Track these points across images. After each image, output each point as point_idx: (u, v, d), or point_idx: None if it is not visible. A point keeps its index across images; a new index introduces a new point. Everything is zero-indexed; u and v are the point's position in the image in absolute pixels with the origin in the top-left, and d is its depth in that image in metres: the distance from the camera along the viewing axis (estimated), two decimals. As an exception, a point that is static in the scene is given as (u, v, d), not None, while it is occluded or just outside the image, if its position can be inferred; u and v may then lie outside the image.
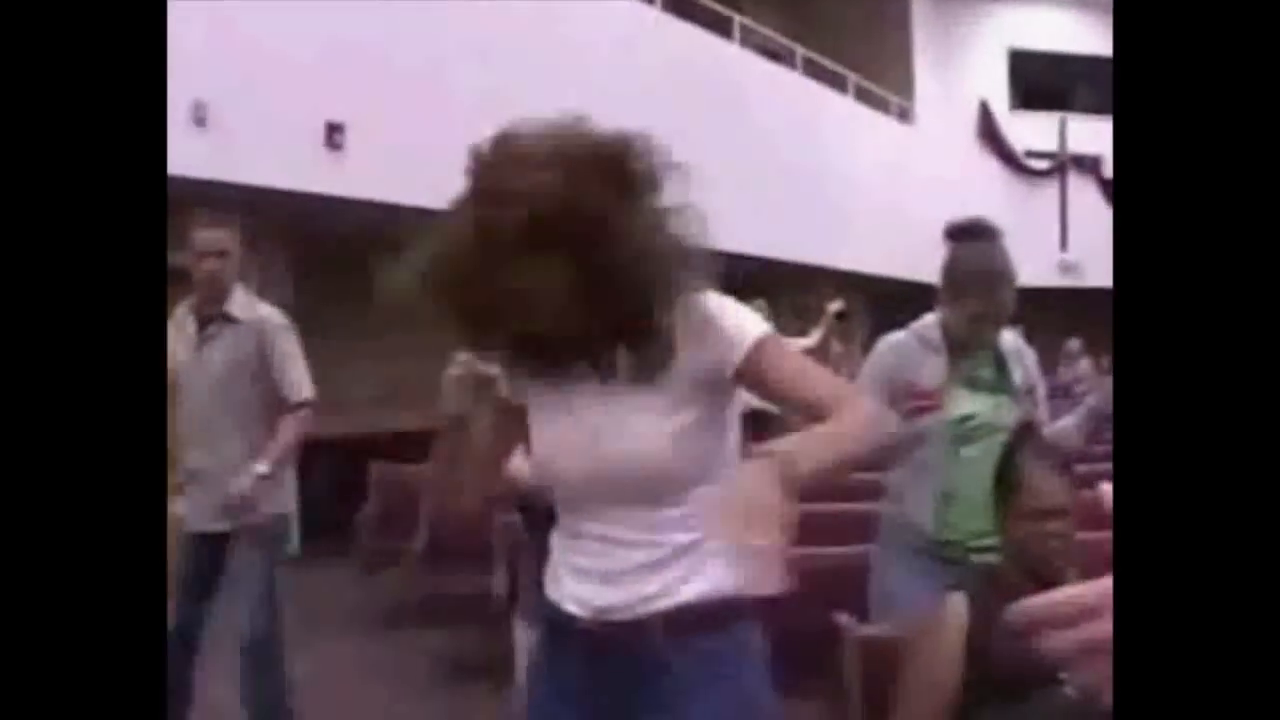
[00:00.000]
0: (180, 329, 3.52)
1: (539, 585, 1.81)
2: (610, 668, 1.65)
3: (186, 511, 3.37)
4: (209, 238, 3.54)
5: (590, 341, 1.54)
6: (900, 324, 2.94)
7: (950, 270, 2.78)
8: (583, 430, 1.63)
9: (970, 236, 2.79)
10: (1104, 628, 0.79)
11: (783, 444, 1.40)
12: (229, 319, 3.55)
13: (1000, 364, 2.84)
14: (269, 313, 3.64)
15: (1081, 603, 0.80)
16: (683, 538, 1.63)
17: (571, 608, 1.68)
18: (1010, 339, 2.89)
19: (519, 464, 2.43)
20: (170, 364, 3.37)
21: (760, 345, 1.59)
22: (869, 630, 2.30)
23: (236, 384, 3.51)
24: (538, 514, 2.18)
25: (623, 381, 1.59)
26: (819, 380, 1.61)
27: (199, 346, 3.51)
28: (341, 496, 6.32)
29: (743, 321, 1.61)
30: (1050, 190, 16.55)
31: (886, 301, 10.55)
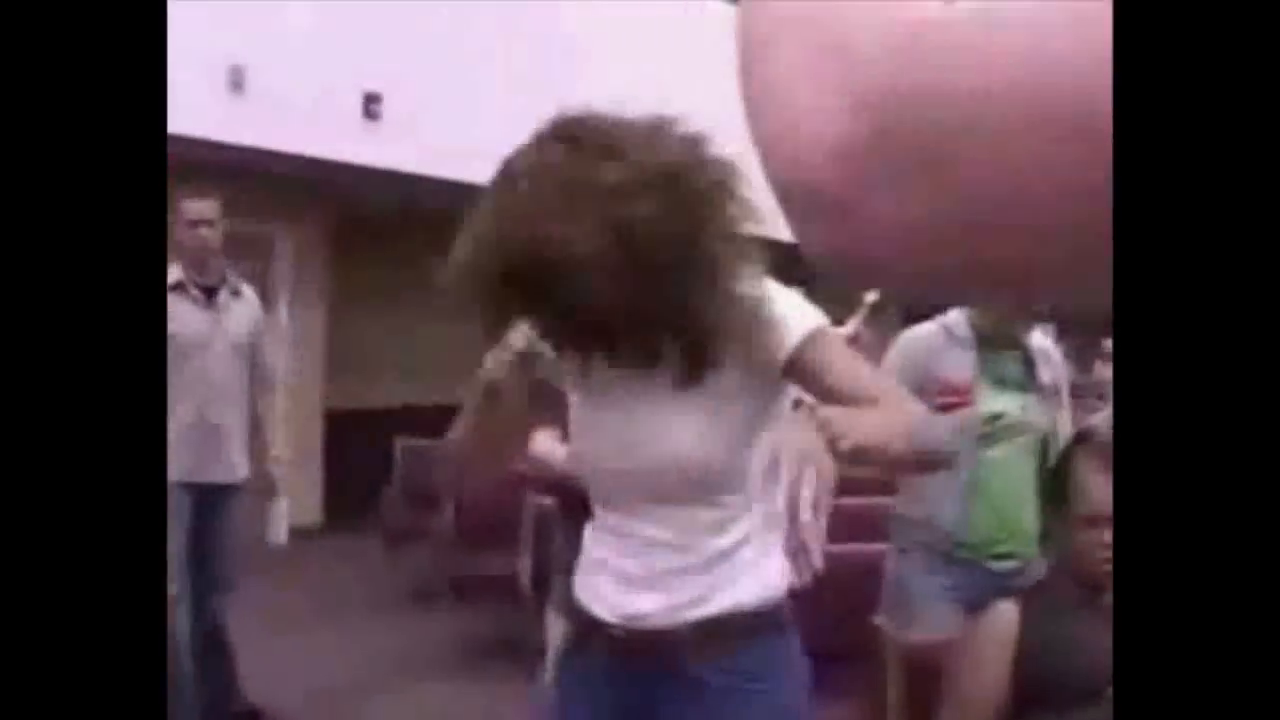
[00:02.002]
0: (184, 292, 3.65)
1: (569, 573, 1.74)
2: (639, 680, 1.58)
3: (188, 461, 3.54)
4: (198, 207, 3.68)
5: (639, 330, 1.46)
6: (926, 316, 2.87)
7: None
8: (625, 425, 1.56)
9: None
10: None
11: (831, 410, 1.34)
12: (236, 291, 3.82)
13: (1028, 362, 2.76)
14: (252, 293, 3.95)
15: None
16: (723, 542, 1.55)
17: (601, 612, 1.61)
18: (1038, 337, 2.82)
19: (552, 447, 2.36)
20: (178, 326, 3.44)
21: (813, 338, 1.50)
22: (912, 637, 2.22)
23: (247, 352, 3.80)
24: (573, 499, 2.11)
25: (670, 375, 1.51)
26: (872, 380, 1.53)
27: (216, 312, 3.72)
28: (369, 470, 6.29)
29: (797, 312, 1.52)
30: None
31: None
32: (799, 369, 1.51)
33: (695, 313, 1.44)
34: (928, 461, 1.61)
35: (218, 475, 3.69)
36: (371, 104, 6.89)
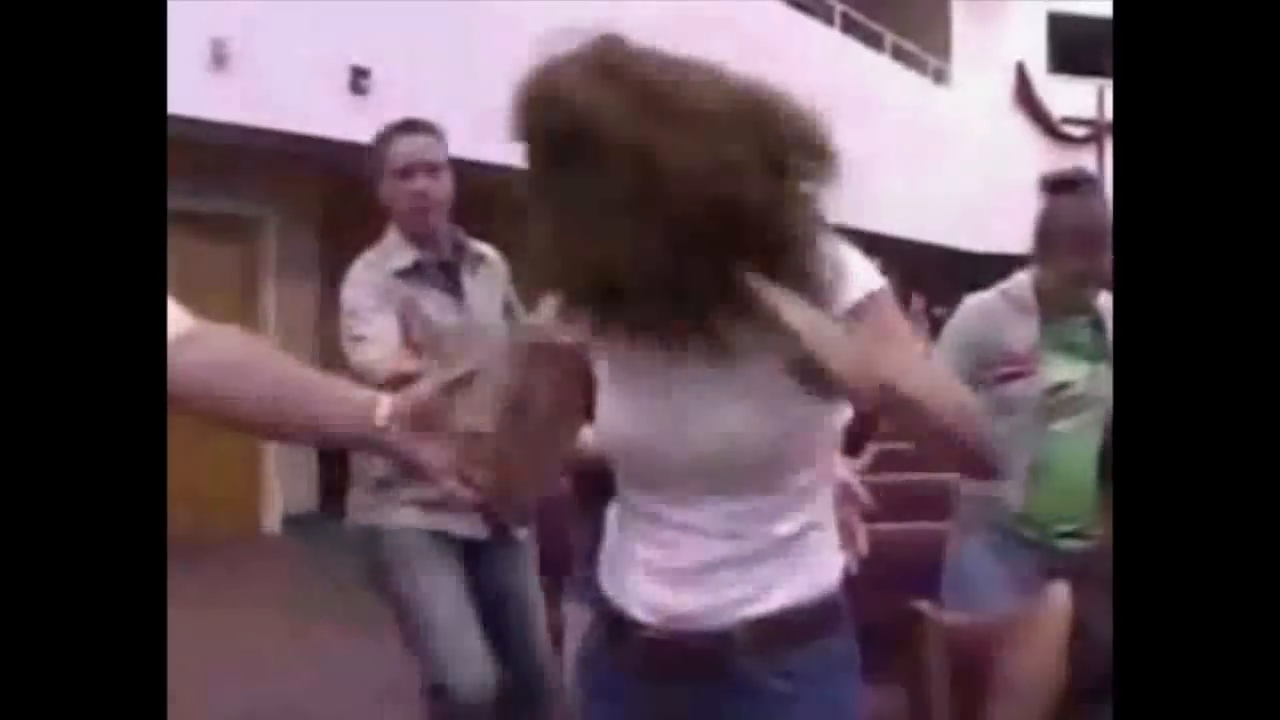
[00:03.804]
0: (421, 276, 2.62)
1: (589, 561, 1.58)
2: (681, 684, 1.41)
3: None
4: (417, 146, 2.61)
5: (690, 300, 1.26)
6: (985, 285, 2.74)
7: (1046, 225, 2.55)
8: (670, 403, 1.38)
9: (1070, 189, 2.57)
10: None
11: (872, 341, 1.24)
12: (480, 256, 2.72)
13: (1098, 327, 2.59)
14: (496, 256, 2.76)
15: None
16: (778, 530, 1.39)
17: (636, 610, 1.42)
18: (1107, 301, 2.61)
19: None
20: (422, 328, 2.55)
21: (875, 297, 1.35)
22: (955, 619, 2.09)
23: (496, 333, 2.67)
24: (590, 481, 1.95)
25: (719, 349, 1.32)
26: (926, 359, 1.38)
27: (460, 297, 2.65)
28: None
29: (863, 268, 1.36)
30: (1087, 158, 16.17)
31: (913, 267, 10.33)
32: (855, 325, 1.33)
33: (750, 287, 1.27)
34: (975, 447, 1.41)
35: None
36: (359, 78, 6.76)
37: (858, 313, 1.33)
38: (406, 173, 2.57)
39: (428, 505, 2.50)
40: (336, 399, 1.28)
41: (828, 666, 1.42)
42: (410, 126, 2.62)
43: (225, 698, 4.37)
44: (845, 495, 1.58)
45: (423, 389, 1.30)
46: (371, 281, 2.58)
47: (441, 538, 2.60)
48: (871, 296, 1.35)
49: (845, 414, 1.46)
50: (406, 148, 2.59)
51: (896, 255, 12.48)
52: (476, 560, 2.66)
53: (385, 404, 1.27)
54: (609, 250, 1.19)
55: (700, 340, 1.28)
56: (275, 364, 1.28)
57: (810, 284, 1.27)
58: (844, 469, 1.62)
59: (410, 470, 1.34)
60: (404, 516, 2.57)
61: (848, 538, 1.56)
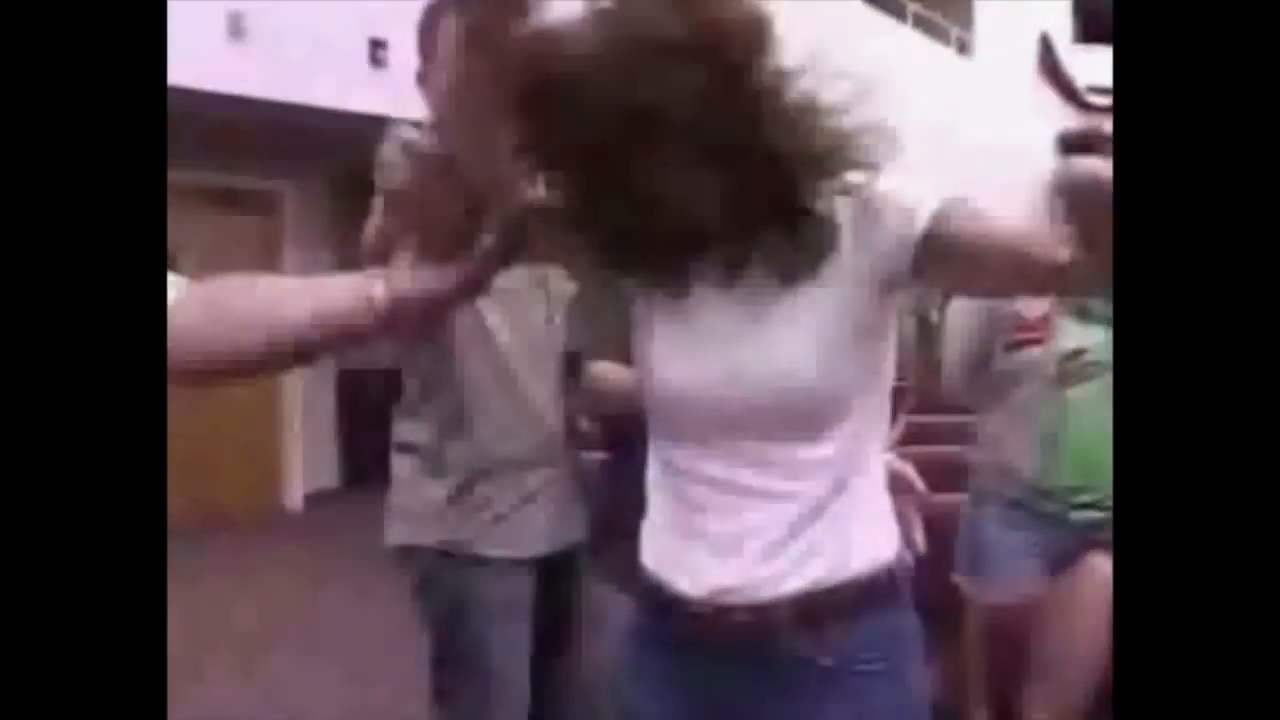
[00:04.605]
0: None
1: (622, 536, 1.51)
2: (729, 663, 1.34)
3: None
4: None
5: (721, 237, 1.22)
6: None
7: (1061, 186, 2.48)
8: (707, 343, 1.31)
9: (1087, 149, 2.50)
10: None
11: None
12: None
13: None
14: None
15: None
16: (829, 488, 1.31)
17: (679, 584, 1.35)
18: None
19: (615, 372, 2.06)
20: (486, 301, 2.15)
21: (952, 204, 1.25)
22: (996, 596, 2.04)
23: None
24: (626, 444, 1.85)
25: (760, 283, 1.27)
26: (1015, 219, 1.23)
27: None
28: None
29: (928, 190, 1.27)
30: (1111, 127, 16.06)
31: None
32: (942, 241, 1.24)
33: (793, 215, 1.23)
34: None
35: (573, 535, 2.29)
36: (378, 50, 6.70)
37: (940, 227, 1.25)
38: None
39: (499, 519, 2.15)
40: (334, 282, 1.19)
41: (885, 640, 1.35)
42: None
43: (248, 672, 4.38)
44: (900, 485, 1.52)
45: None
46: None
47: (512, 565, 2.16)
48: (947, 205, 1.26)
49: (894, 356, 1.39)
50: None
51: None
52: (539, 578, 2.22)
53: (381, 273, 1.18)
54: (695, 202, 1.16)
55: (731, 270, 1.24)
56: (266, 280, 1.20)
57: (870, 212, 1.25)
58: (898, 460, 1.57)
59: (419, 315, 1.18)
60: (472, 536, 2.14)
61: (905, 529, 1.51)
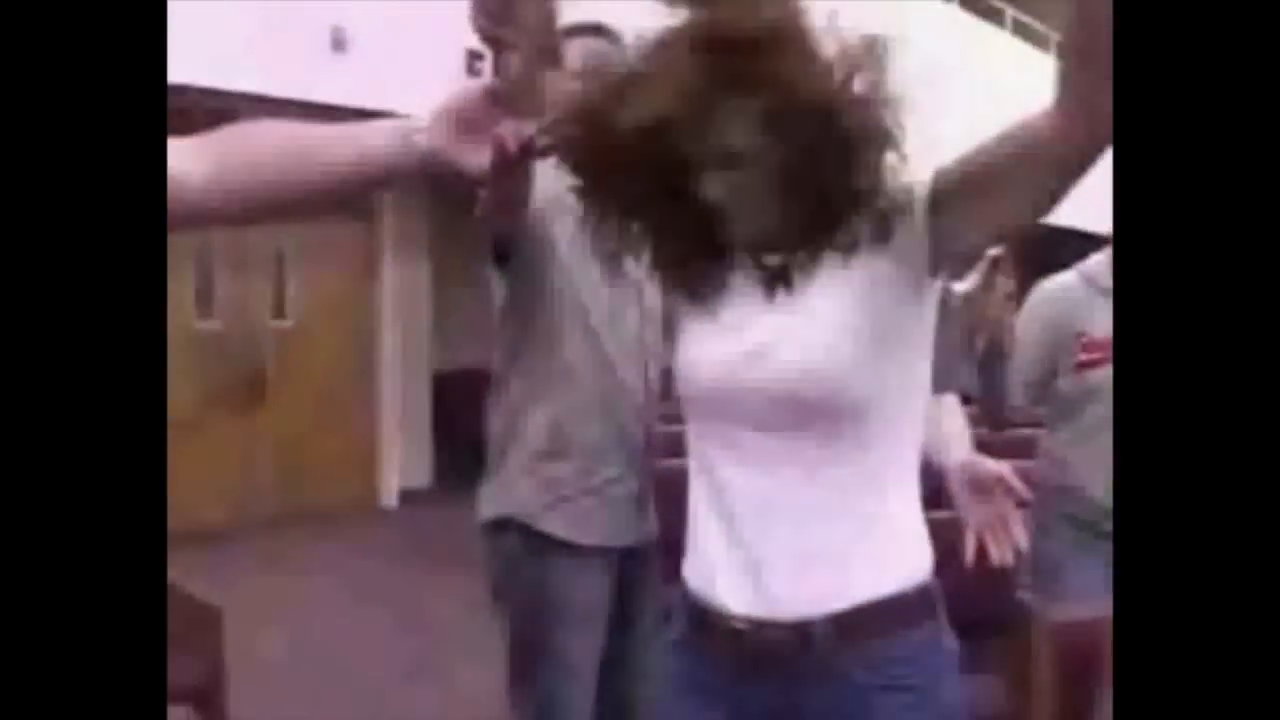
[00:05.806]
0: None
1: (667, 553, 1.55)
2: (770, 680, 1.34)
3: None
4: (590, 51, 2.12)
5: (781, 250, 1.18)
6: (1055, 268, 2.64)
7: None
8: (739, 339, 1.32)
9: None
10: None
11: None
12: None
13: None
14: None
15: None
16: (866, 505, 1.32)
17: (721, 599, 1.35)
18: None
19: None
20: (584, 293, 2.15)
21: (939, 167, 1.25)
22: (1065, 614, 2.04)
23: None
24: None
25: (796, 267, 1.20)
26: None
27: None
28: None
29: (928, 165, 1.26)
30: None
31: (1034, 247, 10.02)
32: (944, 179, 1.24)
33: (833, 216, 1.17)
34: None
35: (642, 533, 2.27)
36: (475, 60, 6.84)
37: (946, 173, 1.26)
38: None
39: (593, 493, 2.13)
40: (367, 127, 1.16)
41: (922, 655, 1.35)
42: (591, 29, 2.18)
43: (341, 666, 4.50)
44: (1002, 489, 1.54)
45: (468, 89, 1.18)
46: None
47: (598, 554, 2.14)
48: (938, 169, 1.27)
49: (927, 366, 1.38)
50: (579, 50, 2.13)
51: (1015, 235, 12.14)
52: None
53: (423, 118, 1.16)
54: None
55: (808, 257, 1.17)
56: (291, 125, 1.16)
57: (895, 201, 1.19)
58: (990, 461, 1.60)
59: (451, 176, 1.18)
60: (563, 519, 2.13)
61: (1005, 533, 1.52)
